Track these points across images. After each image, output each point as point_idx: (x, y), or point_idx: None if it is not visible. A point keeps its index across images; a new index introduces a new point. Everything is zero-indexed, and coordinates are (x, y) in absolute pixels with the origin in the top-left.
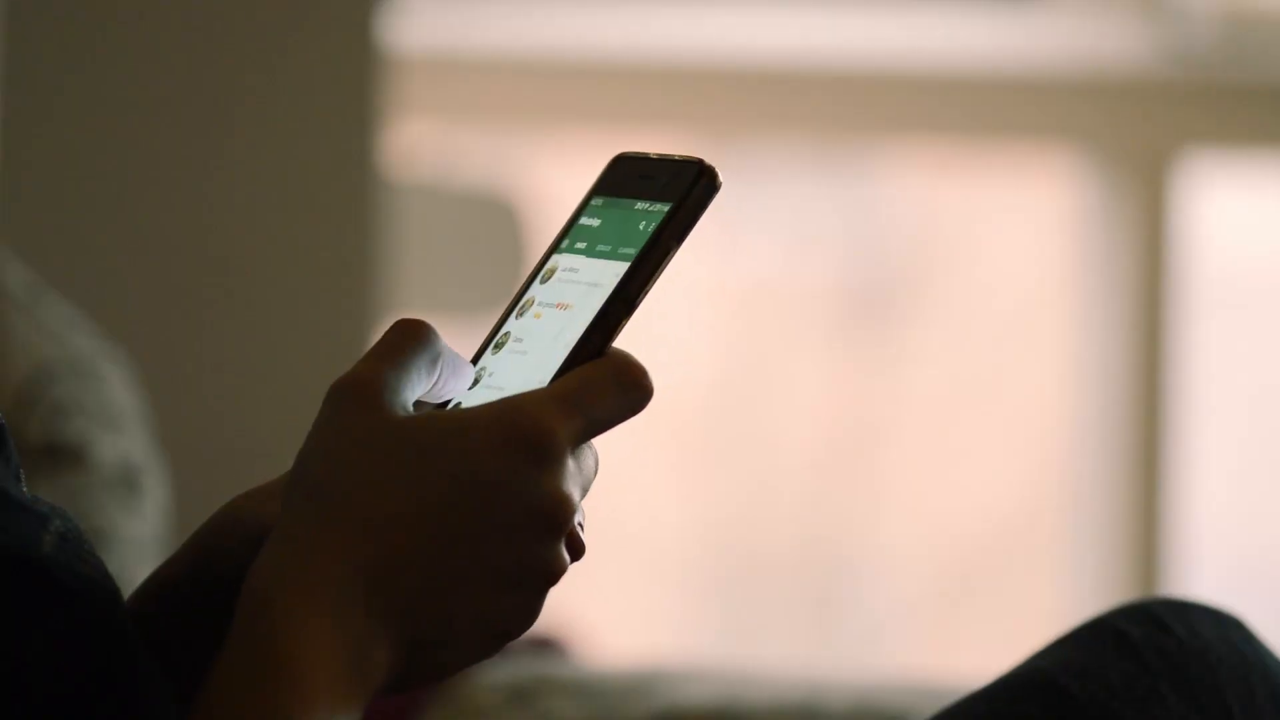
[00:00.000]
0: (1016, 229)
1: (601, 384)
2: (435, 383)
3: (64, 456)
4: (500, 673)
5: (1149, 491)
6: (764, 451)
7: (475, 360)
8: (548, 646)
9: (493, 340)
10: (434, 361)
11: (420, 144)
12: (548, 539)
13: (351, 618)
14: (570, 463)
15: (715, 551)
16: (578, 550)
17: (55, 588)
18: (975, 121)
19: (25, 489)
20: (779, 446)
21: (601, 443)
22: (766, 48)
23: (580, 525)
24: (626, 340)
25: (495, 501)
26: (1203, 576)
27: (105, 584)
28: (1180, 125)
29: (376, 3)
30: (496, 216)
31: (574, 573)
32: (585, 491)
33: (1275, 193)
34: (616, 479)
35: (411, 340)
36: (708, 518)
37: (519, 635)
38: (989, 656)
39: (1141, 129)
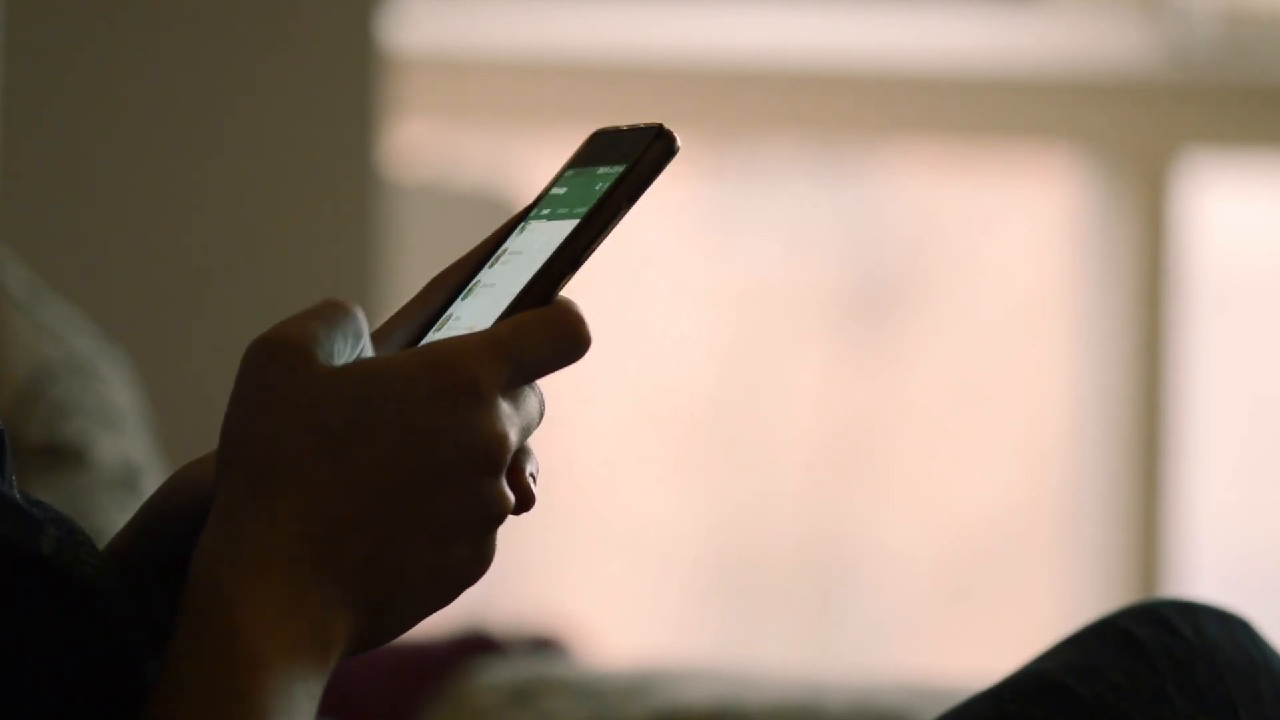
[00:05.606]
0: (1016, 229)
1: (535, 330)
2: (358, 356)
3: (64, 456)
4: (500, 673)
5: (1149, 491)
6: (764, 451)
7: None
8: (548, 646)
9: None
10: (358, 336)
11: (420, 144)
12: (487, 480)
13: (301, 585)
14: (504, 404)
15: (715, 551)
16: (526, 499)
17: (58, 584)
18: (975, 121)
19: (19, 496)
20: (779, 446)
21: (601, 443)
22: (766, 48)
23: (533, 476)
24: (632, 338)
25: (428, 450)
26: (1203, 576)
27: (107, 584)
28: (1180, 125)
29: (376, 3)
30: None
31: (574, 573)
32: (527, 433)
33: (1275, 193)
34: (617, 479)
35: (339, 311)
36: (708, 518)
37: (475, 581)
38: (989, 657)
39: (1141, 129)
